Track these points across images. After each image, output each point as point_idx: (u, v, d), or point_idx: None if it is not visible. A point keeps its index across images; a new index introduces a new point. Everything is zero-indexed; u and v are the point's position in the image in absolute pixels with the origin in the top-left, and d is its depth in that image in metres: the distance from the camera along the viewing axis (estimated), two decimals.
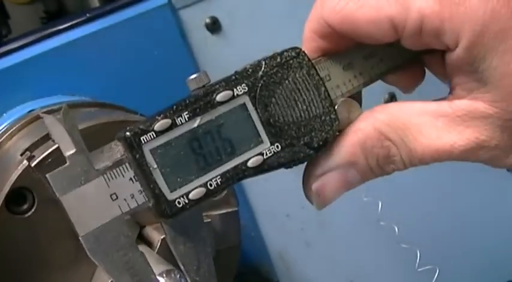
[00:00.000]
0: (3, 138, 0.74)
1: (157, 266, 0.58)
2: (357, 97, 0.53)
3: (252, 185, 0.98)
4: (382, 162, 0.49)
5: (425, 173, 1.03)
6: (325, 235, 1.03)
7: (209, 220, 0.69)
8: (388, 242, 0.88)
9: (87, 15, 0.91)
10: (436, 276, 0.86)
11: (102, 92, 0.85)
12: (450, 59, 0.48)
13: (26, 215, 0.63)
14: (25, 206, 0.63)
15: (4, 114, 0.84)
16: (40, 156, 0.61)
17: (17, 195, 0.63)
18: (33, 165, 0.61)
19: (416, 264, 0.86)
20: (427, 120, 0.48)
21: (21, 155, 0.64)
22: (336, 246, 1.04)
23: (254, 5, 0.97)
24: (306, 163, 0.51)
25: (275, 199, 1.00)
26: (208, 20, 0.95)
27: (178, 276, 0.54)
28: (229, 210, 0.71)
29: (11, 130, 0.75)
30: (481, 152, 0.48)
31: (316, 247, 1.03)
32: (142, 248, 0.64)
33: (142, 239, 0.66)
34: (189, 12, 0.93)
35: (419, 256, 0.86)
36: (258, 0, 0.97)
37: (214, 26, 0.95)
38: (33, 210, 0.63)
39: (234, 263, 0.75)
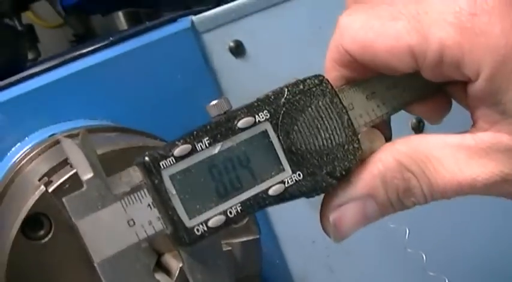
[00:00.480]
0: (23, 162, 0.74)
1: None
2: (384, 127, 0.52)
3: (277, 212, 0.97)
4: (402, 195, 0.48)
5: (454, 198, 1.02)
6: (351, 262, 1.02)
7: (229, 248, 0.67)
8: (415, 270, 0.86)
9: (111, 39, 0.91)
10: None
11: (124, 116, 0.85)
12: (472, 91, 0.46)
13: (43, 241, 0.62)
14: (41, 232, 0.62)
15: (26, 138, 0.84)
16: (57, 181, 0.60)
17: (34, 220, 0.62)
18: (50, 190, 0.60)
19: None
20: (449, 153, 0.47)
21: (39, 180, 0.63)
22: (362, 273, 1.02)
23: (278, 28, 0.96)
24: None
25: (300, 225, 0.98)
26: (232, 44, 0.94)
27: None
28: (250, 238, 0.70)
29: (31, 154, 0.75)
30: (506, 185, 0.47)
31: (341, 274, 1.01)
32: (160, 276, 0.63)
33: (161, 266, 0.65)
34: (212, 35, 0.92)
35: None
36: (283, 23, 0.96)
37: (238, 50, 0.94)
38: (49, 236, 0.62)
39: None
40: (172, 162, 0.45)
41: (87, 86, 0.87)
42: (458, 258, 1.04)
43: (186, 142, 0.45)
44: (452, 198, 0.48)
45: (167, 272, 0.65)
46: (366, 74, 0.51)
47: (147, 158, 0.45)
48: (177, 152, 0.45)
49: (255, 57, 0.95)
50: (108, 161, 0.46)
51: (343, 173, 0.48)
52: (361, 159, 0.49)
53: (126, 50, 0.89)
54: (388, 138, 0.52)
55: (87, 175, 0.44)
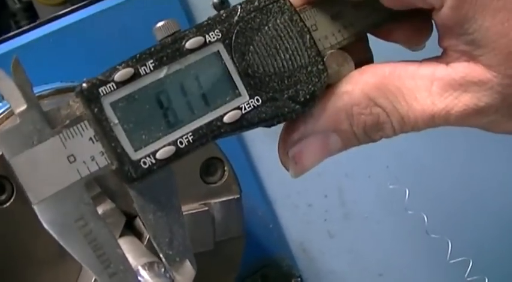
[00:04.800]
0: None
1: (140, 258, 0.52)
2: (362, 49, 0.48)
3: (270, 174, 0.93)
4: (370, 130, 0.45)
5: (455, 157, 0.98)
6: (350, 226, 0.97)
7: (206, 208, 0.63)
8: (416, 232, 0.82)
9: None
10: (469, 268, 0.80)
11: None
12: (438, 20, 0.42)
13: (4, 206, 0.58)
14: (3, 196, 0.58)
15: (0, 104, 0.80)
16: None
17: None
18: None
19: (448, 256, 0.80)
20: (422, 84, 0.43)
21: None
22: (362, 237, 0.98)
23: None
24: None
25: (295, 188, 0.94)
26: (216, 0, 0.90)
27: (162, 270, 0.48)
28: (231, 197, 0.66)
29: (0, 117, 0.71)
30: (479, 117, 0.43)
31: (341, 238, 0.97)
32: (131, 239, 0.59)
33: (133, 230, 0.61)
34: None
35: (451, 247, 0.80)
36: None
37: (222, 6, 0.90)
38: (12, 200, 0.58)
39: (238, 255, 0.68)
40: (112, 88, 0.41)
41: (65, 47, 0.83)
42: (462, 219, 0.99)
43: (127, 66, 0.41)
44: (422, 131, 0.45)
45: (139, 235, 0.61)
46: None
47: (84, 85, 0.41)
48: (117, 76, 0.41)
49: None
50: None
51: (307, 97, 0.44)
52: (329, 84, 0.45)
53: (106, 7, 0.85)
54: (369, 61, 0.48)
55: (20, 107, 0.40)
